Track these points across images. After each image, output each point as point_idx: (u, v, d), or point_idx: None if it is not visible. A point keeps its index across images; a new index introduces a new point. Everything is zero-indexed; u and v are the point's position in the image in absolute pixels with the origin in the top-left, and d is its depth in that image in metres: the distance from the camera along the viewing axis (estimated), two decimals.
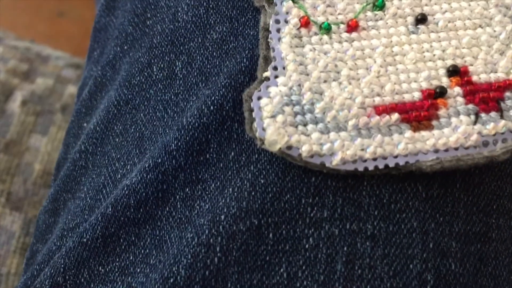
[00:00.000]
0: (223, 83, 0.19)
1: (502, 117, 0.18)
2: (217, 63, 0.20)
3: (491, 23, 0.19)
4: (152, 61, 0.22)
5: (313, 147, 0.17)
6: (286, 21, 0.19)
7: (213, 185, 0.19)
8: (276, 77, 0.18)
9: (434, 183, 0.18)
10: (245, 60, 0.20)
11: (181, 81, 0.21)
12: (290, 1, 0.19)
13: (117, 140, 0.21)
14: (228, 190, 0.18)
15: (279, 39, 0.18)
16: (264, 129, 0.17)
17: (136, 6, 0.24)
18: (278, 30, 0.19)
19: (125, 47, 0.23)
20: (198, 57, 0.21)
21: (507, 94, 0.18)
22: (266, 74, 0.18)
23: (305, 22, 0.19)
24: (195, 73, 0.21)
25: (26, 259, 0.23)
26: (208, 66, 0.20)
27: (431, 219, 0.18)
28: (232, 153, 0.19)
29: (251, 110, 0.18)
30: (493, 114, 0.18)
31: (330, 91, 0.18)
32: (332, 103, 0.18)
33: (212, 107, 0.19)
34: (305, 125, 0.18)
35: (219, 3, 0.21)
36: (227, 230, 0.17)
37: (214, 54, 0.21)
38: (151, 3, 0.23)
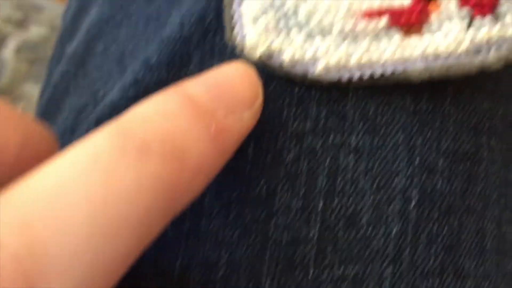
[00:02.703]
0: None
1: (497, 21, 0.17)
2: None
3: None
4: None
5: (296, 53, 0.16)
6: None
7: None
8: None
9: (423, 96, 0.18)
10: None
11: None
12: None
13: (98, 59, 0.21)
14: None
15: None
16: (244, 35, 0.17)
17: None
18: None
19: None
20: None
21: None
22: None
23: None
24: None
25: None
26: None
27: (418, 134, 0.17)
28: (214, 66, 0.18)
29: (232, 16, 0.17)
30: (488, 18, 0.17)
31: None
32: (317, 7, 0.17)
33: (193, 18, 0.18)
34: (288, 30, 0.17)
35: None
36: None
37: None
38: None
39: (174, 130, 0.13)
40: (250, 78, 0.15)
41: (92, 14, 0.21)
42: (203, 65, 0.18)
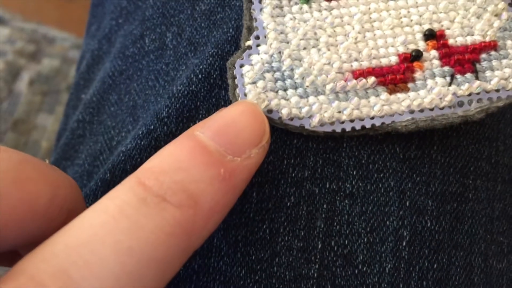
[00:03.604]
0: (210, 53, 0.20)
1: (477, 78, 0.18)
2: (205, 33, 0.21)
3: None
4: (144, 33, 0.23)
5: (292, 110, 0.18)
6: None
7: None
8: (258, 45, 0.19)
9: (412, 145, 0.19)
10: (231, 30, 0.20)
11: (171, 52, 0.22)
12: None
13: (112, 109, 0.23)
14: None
15: (261, 9, 0.19)
16: (245, 95, 0.18)
17: None
18: (260, 1, 0.19)
19: (120, 21, 0.24)
20: (187, 28, 0.22)
21: (483, 55, 0.19)
22: (248, 43, 0.19)
23: None
24: (185, 44, 0.21)
25: None
26: (197, 37, 0.21)
27: (408, 179, 0.19)
28: None
29: (234, 77, 0.19)
30: (468, 75, 0.18)
31: (309, 57, 0.19)
32: (311, 68, 0.18)
33: (200, 76, 0.20)
34: (285, 90, 0.18)
35: None
36: None
37: (203, 25, 0.21)
38: None
39: (187, 179, 0.15)
40: (255, 117, 0.16)
41: (107, 67, 0.23)
42: None
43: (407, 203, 0.19)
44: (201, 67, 0.20)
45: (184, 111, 0.20)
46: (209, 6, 0.21)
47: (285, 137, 0.19)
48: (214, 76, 0.20)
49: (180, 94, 0.20)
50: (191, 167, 0.15)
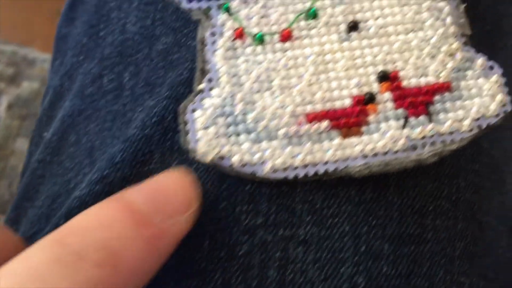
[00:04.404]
0: (165, 95, 0.20)
1: (430, 120, 0.18)
2: (162, 74, 0.21)
3: (423, 27, 0.19)
4: (102, 72, 0.22)
5: (244, 157, 0.18)
6: (222, 34, 0.19)
7: None
8: (210, 89, 0.19)
9: (367, 187, 0.19)
10: (186, 72, 0.20)
11: (128, 92, 0.21)
12: (225, 14, 0.19)
13: (71, 150, 0.22)
14: None
15: (214, 51, 0.19)
16: (197, 141, 0.18)
17: (92, 17, 0.24)
18: (214, 43, 0.19)
19: (81, 58, 0.24)
20: (144, 68, 0.21)
21: (437, 97, 0.19)
22: (201, 86, 0.19)
23: (239, 34, 0.19)
24: (142, 84, 0.21)
25: None
26: (153, 77, 0.21)
27: (364, 223, 0.19)
28: (174, 163, 0.20)
29: (186, 123, 0.18)
30: (422, 118, 0.18)
31: (262, 101, 0.18)
32: (264, 112, 0.18)
33: (154, 119, 0.20)
34: (237, 135, 0.18)
35: (165, 15, 0.22)
36: None
37: (159, 65, 0.21)
38: (104, 14, 0.24)
39: (109, 236, 0.14)
40: (184, 186, 0.17)
41: (67, 105, 0.23)
42: (164, 162, 0.20)
43: (363, 248, 0.18)
44: (155, 110, 0.20)
45: (138, 155, 0.20)
46: (166, 45, 0.21)
47: (237, 182, 0.19)
48: (169, 119, 0.20)
49: (134, 138, 0.20)
50: (115, 225, 0.15)
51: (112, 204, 0.15)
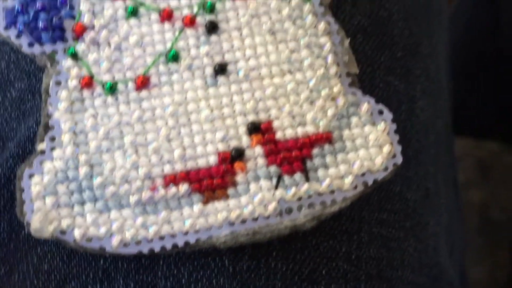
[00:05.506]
0: (12, 152, 0.17)
1: (307, 178, 0.16)
2: (14, 126, 0.18)
3: (301, 67, 0.17)
4: None
5: (89, 230, 0.15)
6: (66, 83, 0.16)
7: (3, 269, 0.17)
8: (52, 149, 0.16)
9: (244, 254, 0.16)
10: (35, 125, 0.17)
11: None
12: (70, 59, 0.16)
13: None
14: (15, 276, 0.16)
15: (57, 104, 0.16)
16: (32, 213, 0.15)
17: None
18: (57, 93, 0.16)
19: None
20: None
21: (315, 150, 0.16)
22: (41, 146, 0.16)
23: (87, 83, 0.16)
24: None
25: None
26: (6, 129, 0.18)
27: None
28: (23, 232, 0.17)
29: (22, 190, 0.16)
30: (297, 175, 0.16)
31: (111, 162, 0.16)
32: (113, 176, 0.16)
33: (2, 181, 0.17)
34: (82, 204, 0.15)
35: (19, 57, 0.19)
36: None
37: (12, 115, 0.18)
38: None
39: None
40: None
41: None
42: (11, 231, 0.17)
43: None
44: (2, 170, 0.17)
45: None
46: (19, 92, 0.18)
47: (90, 257, 0.16)
48: (15, 182, 0.17)
49: None
50: None
51: None
